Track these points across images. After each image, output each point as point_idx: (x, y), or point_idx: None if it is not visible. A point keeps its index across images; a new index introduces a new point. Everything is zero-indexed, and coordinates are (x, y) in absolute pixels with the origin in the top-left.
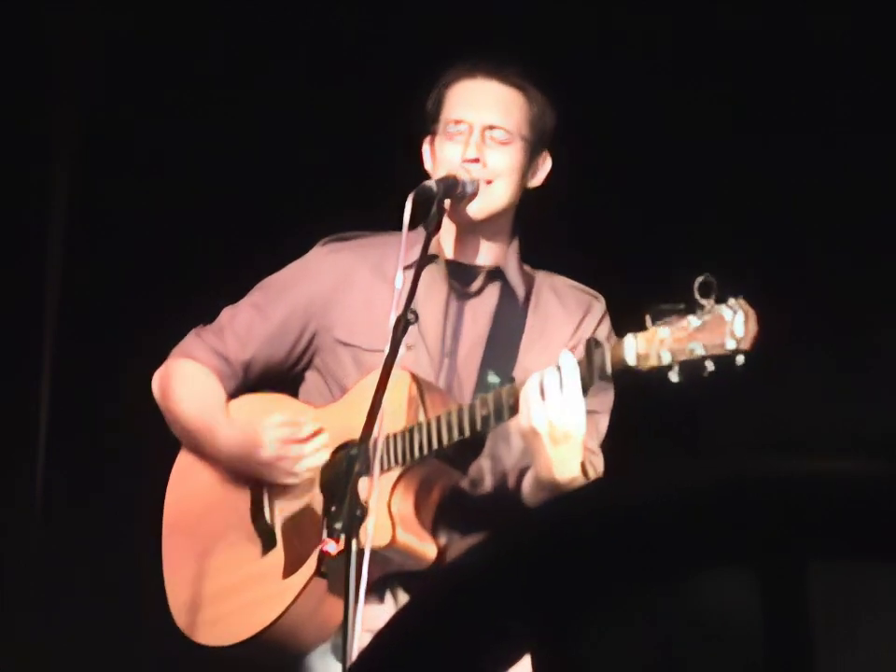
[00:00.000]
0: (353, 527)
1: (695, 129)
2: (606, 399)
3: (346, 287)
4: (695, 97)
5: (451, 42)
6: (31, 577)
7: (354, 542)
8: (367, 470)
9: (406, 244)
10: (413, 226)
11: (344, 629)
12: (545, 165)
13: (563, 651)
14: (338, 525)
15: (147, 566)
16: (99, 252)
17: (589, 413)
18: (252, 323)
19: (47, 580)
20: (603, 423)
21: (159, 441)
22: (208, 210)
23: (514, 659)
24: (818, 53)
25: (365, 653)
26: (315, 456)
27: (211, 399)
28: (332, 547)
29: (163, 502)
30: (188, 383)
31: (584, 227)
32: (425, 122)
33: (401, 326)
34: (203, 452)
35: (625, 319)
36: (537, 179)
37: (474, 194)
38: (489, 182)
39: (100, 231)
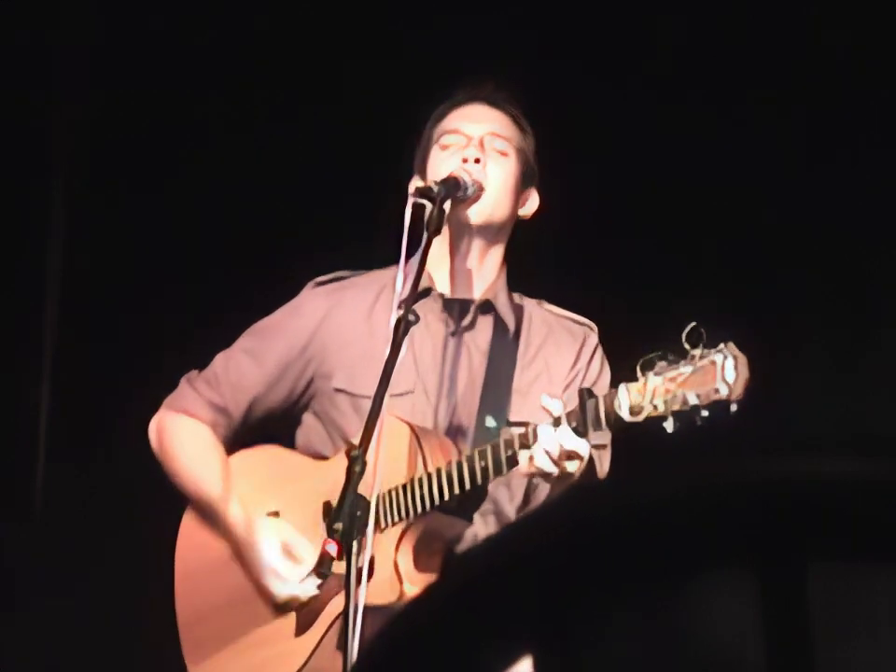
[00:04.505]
0: (353, 527)
1: (686, 166)
2: (607, 432)
3: (340, 331)
4: (688, 137)
5: (447, 82)
6: (30, 577)
7: (352, 596)
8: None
9: (401, 277)
10: (412, 235)
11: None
12: (534, 197)
13: (564, 653)
14: (338, 526)
15: (146, 566)
16: (100, 244)
17: (595, 447)
18: (246, 370)
19: (46, 580)
20: (607, 457)
21: None
22: (208, 224)
23: (515, 660)
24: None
25: (366, 653)
26: (298, 585)
27: (212, 468)
28: (332, 548)
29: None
30: (187, 444)
31: (573, 258)
32: (416, 158)
33: (402, 327)
34: (209, 523)
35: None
36: (526, 208)
37: (475, 197)
38: (489, 187)
39: (102, 230)
